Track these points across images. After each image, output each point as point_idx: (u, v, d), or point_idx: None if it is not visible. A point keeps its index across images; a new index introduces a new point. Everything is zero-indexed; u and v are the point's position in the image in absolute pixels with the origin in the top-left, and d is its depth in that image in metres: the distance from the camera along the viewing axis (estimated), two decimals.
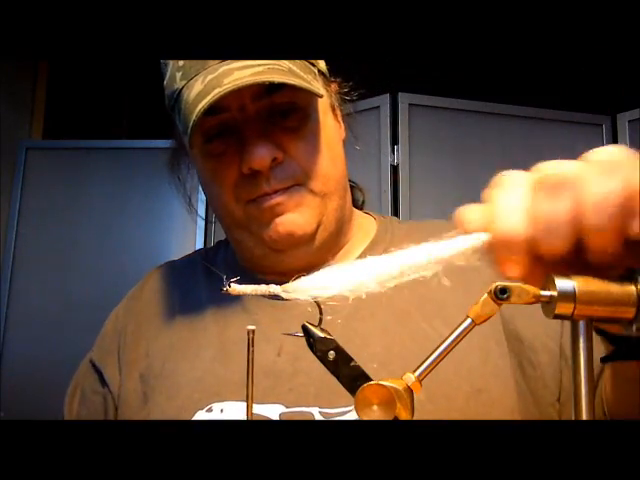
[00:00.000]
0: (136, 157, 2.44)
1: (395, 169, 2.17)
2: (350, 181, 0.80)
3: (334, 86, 0.78)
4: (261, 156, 0.65)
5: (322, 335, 0.40)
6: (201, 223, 2.36)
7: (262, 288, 0.42)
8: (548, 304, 0.38)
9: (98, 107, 3.05)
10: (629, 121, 2.12)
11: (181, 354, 0.72)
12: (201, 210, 2.34)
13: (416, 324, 0.68)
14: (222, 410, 0.64)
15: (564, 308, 0.37)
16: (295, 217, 0.68)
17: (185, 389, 0.68)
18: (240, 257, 0.80)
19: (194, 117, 0.61)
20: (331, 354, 0.40)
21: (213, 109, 0.62)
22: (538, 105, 2.21)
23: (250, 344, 0.41)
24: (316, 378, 0.63)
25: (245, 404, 0.62)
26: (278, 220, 0.68)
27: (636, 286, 0.37)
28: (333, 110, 0.76)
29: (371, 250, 0.75)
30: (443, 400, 0.62)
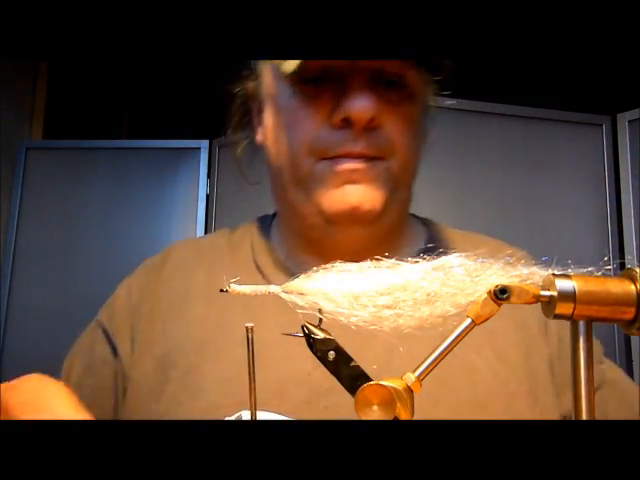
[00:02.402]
0: (136, 157, 2.44)
1: None
2: None
3: (433, 87, 0.73)
4: (365, 106, 0.59)
5: (322, 335, 0.40)
6: (201, 223, 2.36)
7: (262, 289, 0.42)
8: (548, 304, 0.38)
9: (98, 107, 3.05)
10: (629, 121, 2.12)
11: (206, 349, 0.65)
12: (201, 209, 2.37)
13: (465, 354, 0.62)
14: None
15: (564, 308, 0.37)
16: (367, 191, 0.61)
17: (211, 391, 0.62)
18: (281, 232, 0.74)
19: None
20: (331, 354, 0.40)
21: None
22: (538, 105, 2.21)
23: (249, 343, 0.41)
24: (350, 398, 0.58)
25: (278, 416, 0.58)
26: (349, 188, 0.61)
27: (636, 286, 0.37)
28: (426, 107, 0.72)
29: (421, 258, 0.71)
30: None
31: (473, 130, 2.18)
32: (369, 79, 0.61)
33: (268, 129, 0.69)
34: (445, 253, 0.68)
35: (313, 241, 0.68)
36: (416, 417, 0.60)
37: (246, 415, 0.59)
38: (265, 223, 0.78)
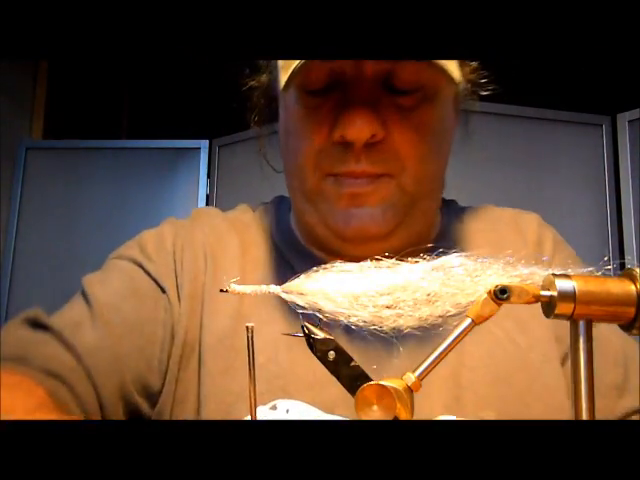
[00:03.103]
0: (136, 157, 2.45)
1: None
2: None
3: (467, 70, 0.66)
4: (359, 127, 0.54)
5: (322, 335, 0.40)
6: None
7: (262, 288, 0.42)
8: (548, 304, 0.38)
9: (98, 107, 3.06)
10: (629, 121, 2.12)
11: (241, 324, 0.61)
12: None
13: (484, 327, 0.60)
14: (288, 410, 0.57)
15: (564, 308, 0.37)
16: (374, 212, 0.58)
17: (244, 374, 0.56)
18: (298, 224, 0.70)
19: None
20: (331, 354, 0.40)
21: None
22: (538, 105, 2.21)
23: (250, 342, 0.41)
24: None
25: (314, 409, 0.57)
26: (354, 211, 0.58)
27: (636, 286, 0.37)
28: (456, 99, 0.65)
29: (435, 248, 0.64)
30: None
31: (473, 130, 2.18)
32: (375, 86, 0.57)
33: (280, 128, 0.66)
34: (451, 243, 0.68)
35: (327, 247, 0.65)
36: (442, 400, 0.58)
37: (281, 405, 0.57)
38: (284, 206, 0.74)
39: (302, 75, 0.55)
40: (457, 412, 0.57)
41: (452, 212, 0.75)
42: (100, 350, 0.58)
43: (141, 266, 0.64)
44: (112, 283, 0.63)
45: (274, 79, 0.67)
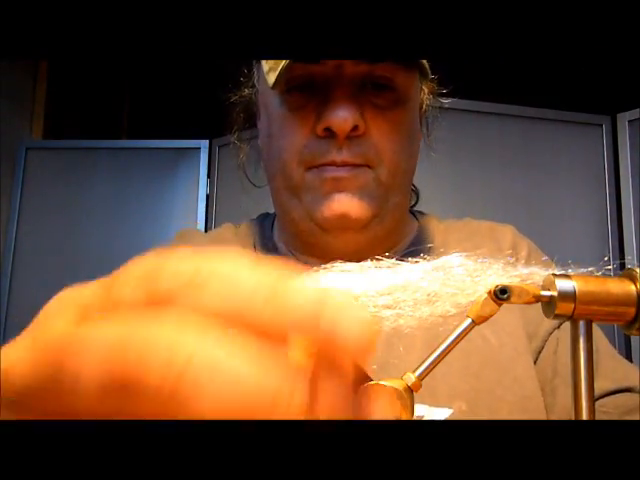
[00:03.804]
0: (136, 157, 2.45)
1: None
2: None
3: (430, 85, 0.75)
4: (344, 117, 0.59)
5: None
6: (201, 223, 2.36)
7: None
8: (548, 304, 0.38)
9: (98, 107, 3.06)
10: (629, 121, 2.12)
11: None
12: (201, 208, 2.37)
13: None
14: None
15: (564, 308, 0.37)
16: (354, 198, 0.63)
17: None
18: (281, 232, 0.75)
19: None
20: None
21: None
22: (538, 105, 2.21)
23: None
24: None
25: None
26: (336, 196, 0.63)
27: (636, 286, 0.37)
28: (420, 109, 0.73)
29: (409, 255, 0.70)
30: (486, 412, 0.60)
31: (472, 130, 2.18)
32: (355, 85, 0.62)
33: (262, 136, 0.71)
34: (427, 248, 0.72)
35: (310, 244, 0.70)
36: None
37: None
38: (267, 222, 0.79)
39: (285, 75, 0.61)
40: (431, 402, 0.61)
41: (429, 222, 0.80)
42: None
43: None
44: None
45: (255, 92, 0.73)
